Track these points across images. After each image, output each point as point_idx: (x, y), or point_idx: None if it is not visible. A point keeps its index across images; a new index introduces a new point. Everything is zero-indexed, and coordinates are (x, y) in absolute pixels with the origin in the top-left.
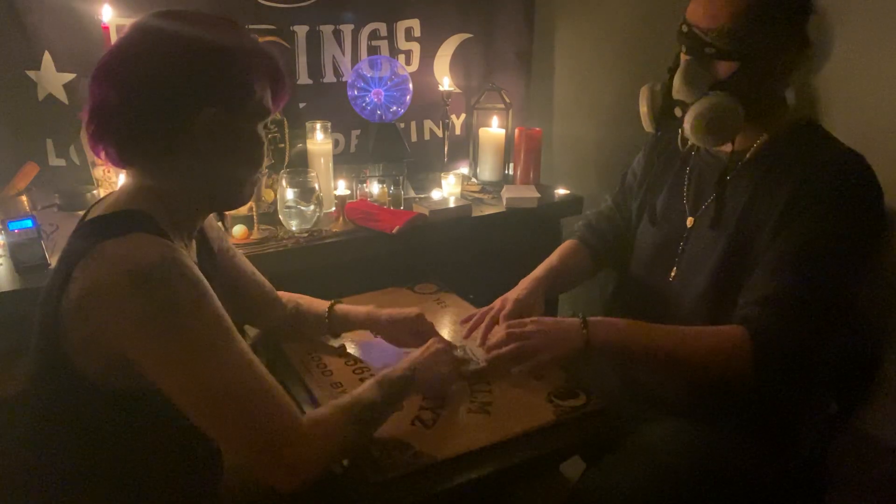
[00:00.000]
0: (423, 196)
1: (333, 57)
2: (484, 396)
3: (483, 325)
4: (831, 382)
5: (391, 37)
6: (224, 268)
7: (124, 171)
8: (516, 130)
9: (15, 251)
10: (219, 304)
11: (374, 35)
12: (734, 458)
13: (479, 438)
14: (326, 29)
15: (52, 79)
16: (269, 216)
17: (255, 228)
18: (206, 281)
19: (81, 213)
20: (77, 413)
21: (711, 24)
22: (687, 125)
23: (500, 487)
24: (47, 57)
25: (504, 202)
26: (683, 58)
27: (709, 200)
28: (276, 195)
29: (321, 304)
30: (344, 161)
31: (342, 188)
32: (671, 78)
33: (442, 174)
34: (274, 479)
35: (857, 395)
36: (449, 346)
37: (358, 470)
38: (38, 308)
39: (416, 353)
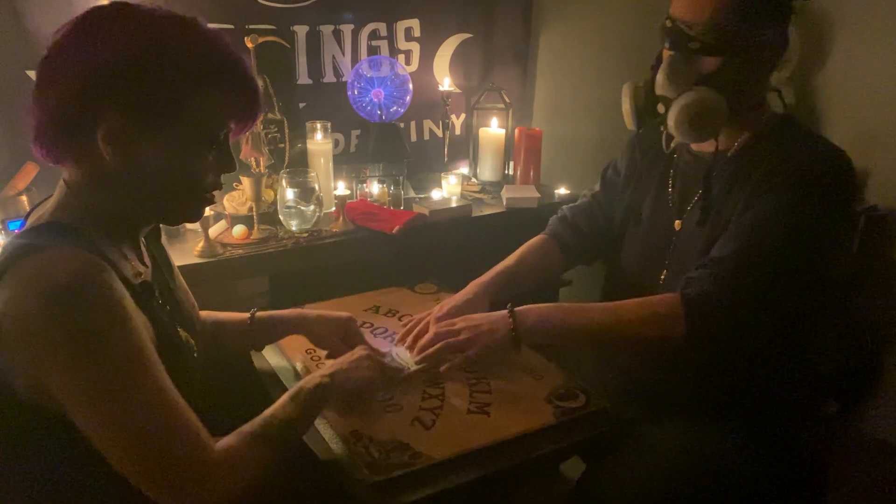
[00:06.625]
0: (423, 196)
1: (333, 57)
2: (484, 397)
3: (415, 330)
4: (831, 382)
5: (391, 37)
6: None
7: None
8: (516, 130)
9: None
10: (135, 328)
11: (373, 35)
12: (734, 458)
13: (478, 439)
14: (326, 29)
15: None
16: (269, 216)
17: (255, 228)
18: (127, 303)
19: None
20: (15, 432)
21: (696, 17)
22: (670, 120)
23: (500, 487)
24: None
25: (504, 202)
26: (666, 54)
27: (693, 201)
28: (276, 195)
29: (241, 314)
30: (344, 161)
31: (342, 188)
32: (654, 75)
33: (442, 174)
34: None
35: (857, 395)
36: (376, 352)
37: (358, 470)
38: None
39: (338, 360)
